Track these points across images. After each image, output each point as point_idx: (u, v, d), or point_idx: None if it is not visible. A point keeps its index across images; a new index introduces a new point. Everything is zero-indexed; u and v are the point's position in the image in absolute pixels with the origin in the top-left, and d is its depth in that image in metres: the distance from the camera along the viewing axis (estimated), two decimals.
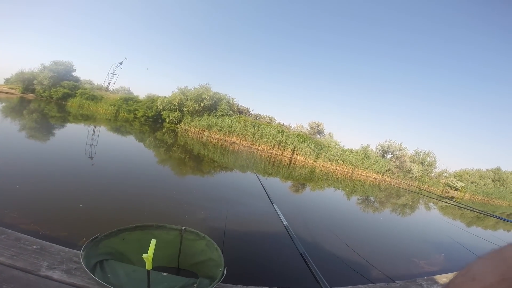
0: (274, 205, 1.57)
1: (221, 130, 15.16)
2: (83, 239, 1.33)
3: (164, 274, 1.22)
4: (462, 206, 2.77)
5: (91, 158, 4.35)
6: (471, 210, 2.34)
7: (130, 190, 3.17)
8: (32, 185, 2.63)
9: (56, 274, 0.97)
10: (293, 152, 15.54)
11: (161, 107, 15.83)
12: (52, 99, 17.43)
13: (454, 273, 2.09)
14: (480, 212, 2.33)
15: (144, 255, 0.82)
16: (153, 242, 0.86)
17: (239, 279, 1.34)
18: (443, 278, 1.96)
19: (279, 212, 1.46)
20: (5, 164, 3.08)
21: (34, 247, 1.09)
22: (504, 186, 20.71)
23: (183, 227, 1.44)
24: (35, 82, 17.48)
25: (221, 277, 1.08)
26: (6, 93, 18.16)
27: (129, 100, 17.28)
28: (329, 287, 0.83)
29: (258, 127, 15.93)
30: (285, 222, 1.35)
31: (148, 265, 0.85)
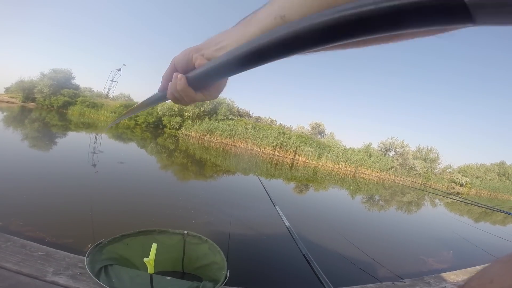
0: (276, 207, 1.57)
1: (222, 134, 15.21)
2: (89, 245, 1.35)
3: (168, 278, 1.22)
4: (469, 201, 2.74)
5: (94, 165, 4.40)
6: (477, 206, 2.31)
7: (135, 196, 3.19)
8: (37, 193, 2.66)
9: (62, 280, 0.98)
10: (295, 153, 15.51)
11: (162, 113, 15.97)
12: (53, 108, 17.62)
13: (462, 270, 2.05)
14: (487, 207, 2.30)
15: (145, 259, 0.83)
16: (154, 246, 0.87)
17: (242, 282, 1.34)
18: (452, 276, 1.93)
19: (281, 213, 1.46)
20: (9, 173, 3.12)
21: (40, 253, 1.11)
22: (510, 180, 20.43)
23: (185, 231, 1.45)
24: (35, 90, 17.68)
25: (224, 280, 1.09)
26: (7, 102, 18.40)
27: (129, 106, 17.44)
28: None
29: (259, 129, 15.96)
30: (287, 224, 1.35)
31: (150, 269, 0.86)
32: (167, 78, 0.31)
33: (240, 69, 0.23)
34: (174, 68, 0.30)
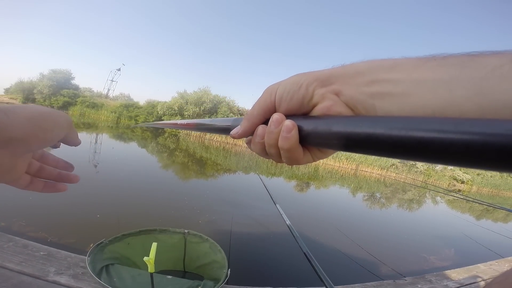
0: (277, 205, 1.57)
1: None
2: (91, 245, 1.36)
3: (169, 277, 1.23)
4: (470, 199, 2.72)
5: (95, 166, 4.41)
6: (479, 203, 2.30)
7: (136, 196, 3.19)
8: (38, 194, 2.67)
9: (63, 279, 0.99)
10: None
11: (162, 112, 16.00)
12: (53, 108, 17.74)
13: (463, 268, 2.04)
14: (488, 205, 2.28)
15: (145, 258, 0.83)
16: (154, 245, 0.87)
17: (243, 280, 1.35)
18: (453, 274, 1.93)
19: (281, 212, 1.46)
20: None
21: (42, 253, 1.12)
22: (511, 177, 20.31)
23: (186, 230, 1.46)
24: (35, 91, 17.78)
25: (225, 279, 1.09)
26: (7, 103, 18.47)
27: (129, 106, 17.51)
28: (333, 286, 0.82)
29: None
30: (288, 222, 1.35)
31: (151, 268, 0.86)
32: (256, 120, 0.20)
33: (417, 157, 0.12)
34: (272, 105, 0.19)
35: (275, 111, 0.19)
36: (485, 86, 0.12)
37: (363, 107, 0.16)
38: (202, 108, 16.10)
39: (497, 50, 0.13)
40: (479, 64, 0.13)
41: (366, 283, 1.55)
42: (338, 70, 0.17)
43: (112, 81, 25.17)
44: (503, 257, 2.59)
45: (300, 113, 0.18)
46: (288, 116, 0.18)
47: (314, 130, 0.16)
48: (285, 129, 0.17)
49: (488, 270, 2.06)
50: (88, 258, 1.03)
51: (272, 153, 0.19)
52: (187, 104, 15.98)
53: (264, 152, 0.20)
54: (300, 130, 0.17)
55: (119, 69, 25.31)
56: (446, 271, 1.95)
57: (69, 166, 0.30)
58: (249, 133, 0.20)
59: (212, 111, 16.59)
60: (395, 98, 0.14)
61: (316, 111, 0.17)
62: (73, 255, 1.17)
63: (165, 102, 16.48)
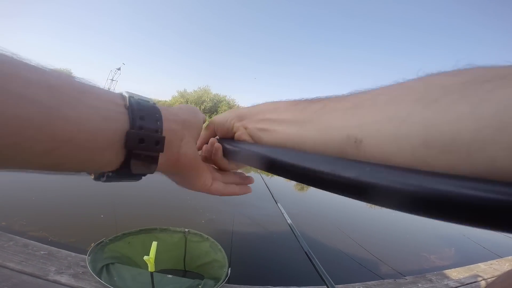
0: (278, 204, 1.57)
1: None
2: (91, 244, 1.37)
3: (169, 276, 1.23)
4: None
5: None
6: None
7: (140, 196, 3.19)
8: (38, 194, 2.68)
9: (64, 279, 0.99)
10: None
11: None
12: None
13: (464, 267, 2.04)
14: None
15: (145, 257, 0.83)
16: (154, 244, 0.88)
17: (244, 279, 1.35)
18: (454, 273, 1.92)
19: (283, 210, 1.46)
20: (11, 175, 3.14)
21: (42, 252, 1.13)
22: None
23: (186, 229, 1.46)
24: None
25: (225, 278, 1.09)
26: None
27: None
28: (334, 285, 0.82)
29: None
30: (289, 221, 1.35)
31: (151, 268, 0.86)
32: (203, 140, 0.29)
33: (284, 174, 0.18)
34: (213, 131, 0.28)
35: (215, 135, 0.28)
36: (312, 126, 0.17)
37: (256, 137, 0.23)
38: (202, 107, 16.13)
39: (327, 96, 0.19)
40: (311, 108, 0.18)
41: (367, 282, 1.55)
42: (248, 110, 0.25)
43: (113, 80, 25.21)
44: (502, 257, 2.58)
45: (228, 136, 0.26)
46: (220, 139, 0.27)
47: (231, 149, 0.25)
48: (214, 148, 0.25)
49: (488, 269, 2.06)
50: (89, 257, 1.03)
51: (210, 162, 0.28)
52: (187, 103, 16.02)
53: (206, 159, 0.28)
54: (223, 149, 0.25)
55: (119, 68, 25.35)
56: (446, 270, 1.95)
57: (248, 179, 0.33)
58: (199, 148, 0.29)
59: (212, 110, 16.62)
60: (270, 133, 0.21)
61: (236, 137, 0.25)
62: (73, 254, 1.17)
63: (165, 101, 16.50)
